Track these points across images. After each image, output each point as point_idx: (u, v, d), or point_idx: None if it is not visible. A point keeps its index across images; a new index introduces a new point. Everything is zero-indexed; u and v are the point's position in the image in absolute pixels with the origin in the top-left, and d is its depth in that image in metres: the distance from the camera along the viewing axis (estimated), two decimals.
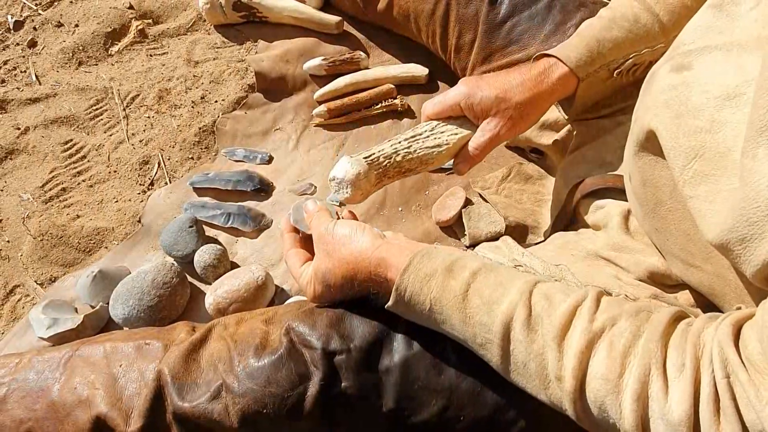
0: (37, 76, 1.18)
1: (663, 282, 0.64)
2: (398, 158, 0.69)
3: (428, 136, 0.71)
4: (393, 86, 1.12)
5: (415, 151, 0.70)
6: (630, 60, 0.72)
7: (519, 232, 0.95)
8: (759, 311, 0.41)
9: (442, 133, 0.72)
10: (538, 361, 0.47)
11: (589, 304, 0.48)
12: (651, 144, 0.55)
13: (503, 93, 0.69)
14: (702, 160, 0.47)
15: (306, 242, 0.67)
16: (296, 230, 0.67)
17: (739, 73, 0.46)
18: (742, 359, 0.39)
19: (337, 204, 1.02)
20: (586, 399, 0.45)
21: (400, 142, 0.70)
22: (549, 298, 0.49)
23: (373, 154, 0.67)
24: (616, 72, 0.72)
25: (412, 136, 0.71)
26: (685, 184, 0.49)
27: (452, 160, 0.74)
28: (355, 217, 0.67)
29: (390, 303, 0.55)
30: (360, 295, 0.59)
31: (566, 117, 0.80)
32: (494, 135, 0.70)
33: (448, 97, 0.72)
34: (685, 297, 0.63)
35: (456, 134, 0.72)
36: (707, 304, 0.61)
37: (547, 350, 0.47)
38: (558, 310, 0.48)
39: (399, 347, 0.58)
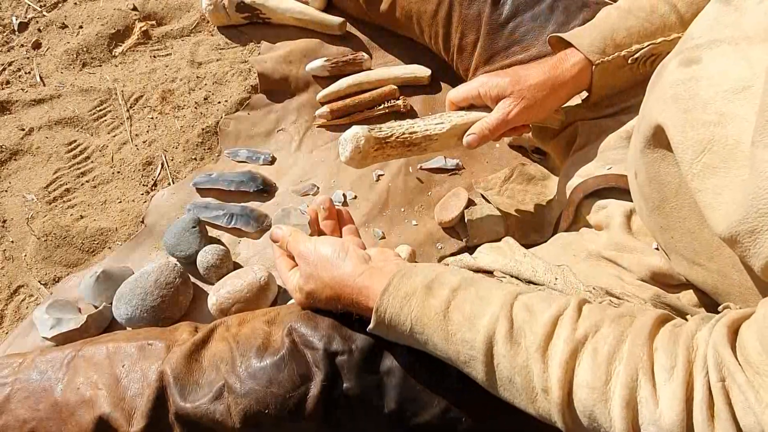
0: (41, 78, 1.19)
1: (665, 282, 0.64)
2: (401, 129, 0.74)
3: (435, 118, 0.76)
4: (396, 87, 1.12)
5: (419, 125, 0.75)
6: (646, 49, 0.72)
7: (521, 233, 0.95)
8: (759, 309, 0.40)
9: (449, 116, 0.77)
10: (523, 374, 0.47)
11: (571, 313, 0.47)
12: (658, 139, 0.55)
13: (518, 77, 0.74)
14: (711, 153, 0.46)
15: None
16: None
17: (747, 66, 0.46)
18: (739, 361, 0.39)
19: (340, 203, 1.02)
20: (575, 409, 0.45)
21: (406, 120, 0.76)
22: (530, 308, 0.49)
23: (379, 125, 0.74)
24: (631, 59, 0.73)
25: (421, 119, 0.77)
26: (693, 177, 0.48)
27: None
28: (340, 224, 0.69)
29: (371, 326, 0.55)
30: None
31: (585, 107, 0.81)
32: (505, 113, 0.73)
33: (469, 84, 0.77)
34: (687, 297, 0.62)
35: (462, 116, 0.77)
36: (711, 304, 0.61)
37: (531, 362, 0.46)
38: (540, 321, 0.47)
39: (400, 348, 0.58)
